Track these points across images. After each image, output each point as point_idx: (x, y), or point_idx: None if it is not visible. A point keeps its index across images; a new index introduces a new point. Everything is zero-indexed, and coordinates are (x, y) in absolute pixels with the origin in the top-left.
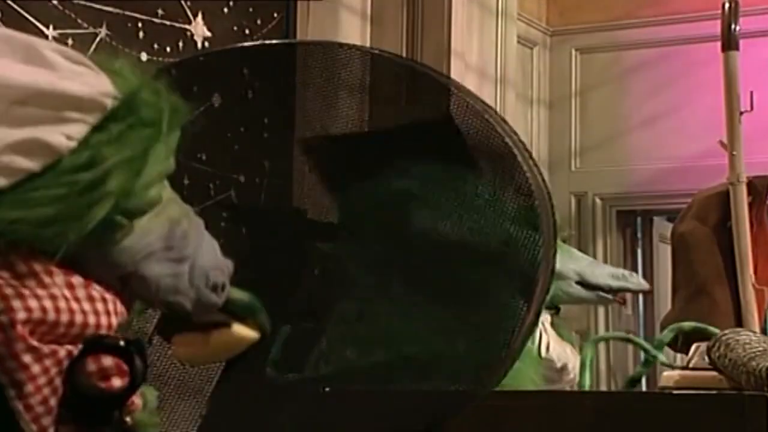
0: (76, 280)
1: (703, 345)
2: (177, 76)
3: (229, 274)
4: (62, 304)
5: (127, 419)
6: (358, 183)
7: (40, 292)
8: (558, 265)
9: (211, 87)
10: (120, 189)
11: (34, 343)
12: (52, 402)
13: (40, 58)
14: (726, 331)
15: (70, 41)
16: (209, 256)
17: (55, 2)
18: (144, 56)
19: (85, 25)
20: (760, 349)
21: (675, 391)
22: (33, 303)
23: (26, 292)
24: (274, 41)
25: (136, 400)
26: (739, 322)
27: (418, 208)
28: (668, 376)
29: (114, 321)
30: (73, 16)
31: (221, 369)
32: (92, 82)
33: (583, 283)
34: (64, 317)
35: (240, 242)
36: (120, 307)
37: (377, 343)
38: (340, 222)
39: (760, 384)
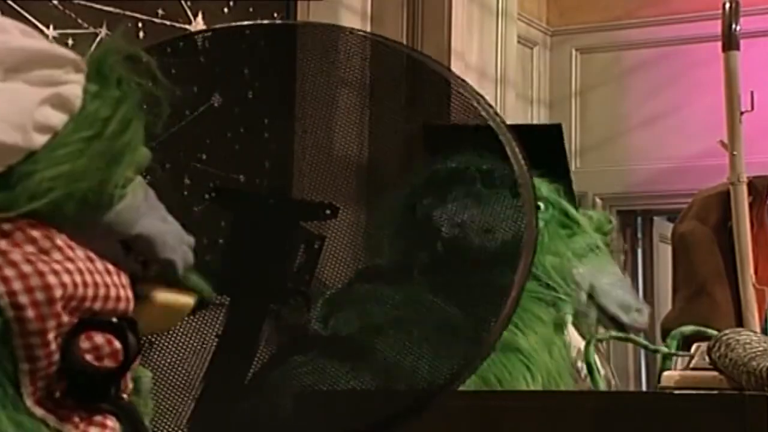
0: (91, 253)
1: (704, 345)
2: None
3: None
4: (88, 278)
5: (124, 396)
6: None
7: (70, 266)
8: (578, 269)
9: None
10: (136, 140)
11: (65, 319)
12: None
13: (12, 29)
14: (726, 331)
15: (70, 41)
16: (171, 217)
17: (55, 2)
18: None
19: (85, 25)
20: (761, 349)
21: (675, 391)
22: (67, 278)
23: (58, 267)
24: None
25: (128, 382)
26: (740, 322)
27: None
28: (668, 376)
29: (130, 294)
30: (73, 16)
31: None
32: (61, 48)
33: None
34: (90, 291)
35: (227, 224)
36: (125, 279)
37: (362, 317)
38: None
39: (760, 384)
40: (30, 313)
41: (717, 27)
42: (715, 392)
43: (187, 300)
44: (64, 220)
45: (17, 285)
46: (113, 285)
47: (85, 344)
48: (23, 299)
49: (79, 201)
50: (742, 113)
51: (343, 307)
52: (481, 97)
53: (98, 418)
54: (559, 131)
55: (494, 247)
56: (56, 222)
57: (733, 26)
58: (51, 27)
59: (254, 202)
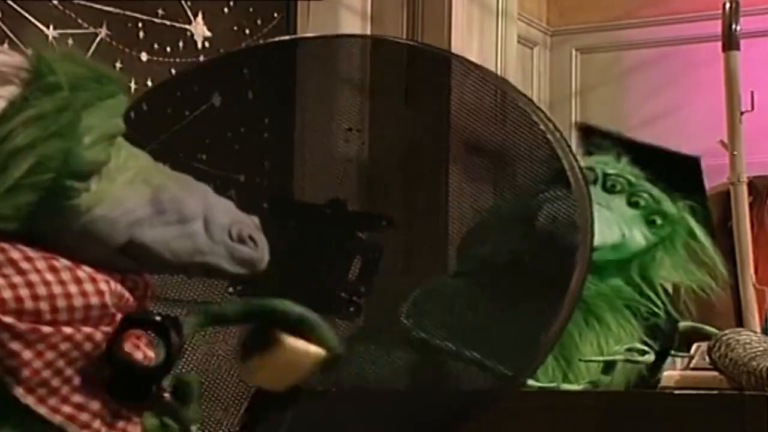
0: (60, 263)
1: (704, 345)
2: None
3: (257, 227)
4: (42, 290)
5: (165, 395)
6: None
7: (17, 280)
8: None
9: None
10: (33, 145)
11: (22, 328)
12: (55, 383)
13: None
14: (726, 331)
15: (70, 41)
16: (226, 212)
17: (55, 2)
18: (144, 56)
19: (85, 25)
20: (761, 349)
21: (675, 391)
22: (7, 293)
23: (1, 281)
24: (275, 39)
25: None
26: (740, 322)
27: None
28: (669, 376)
29: (107, 299)
30: (73, 16)
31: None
32: (4, 61)
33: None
34: (44, 304)
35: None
36: (114, 285)
37: (422, 320)
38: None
39: (760, 384)
40: None
41: (717, 27)
42: (715, 392)
43: (316, 350)
44: (13, 232)
45: None
46: (81, 294)
47: (126, 342)
48: None
49: (19, 217)
50: (742, 113)
51: (404, 312)
52: (531, 101)
53: (121, 423)
54: (697, 164)
55: (551, 252)
56: (8, 234)
57: (734, 26)
58: (51, 27)
59: (310, 212)
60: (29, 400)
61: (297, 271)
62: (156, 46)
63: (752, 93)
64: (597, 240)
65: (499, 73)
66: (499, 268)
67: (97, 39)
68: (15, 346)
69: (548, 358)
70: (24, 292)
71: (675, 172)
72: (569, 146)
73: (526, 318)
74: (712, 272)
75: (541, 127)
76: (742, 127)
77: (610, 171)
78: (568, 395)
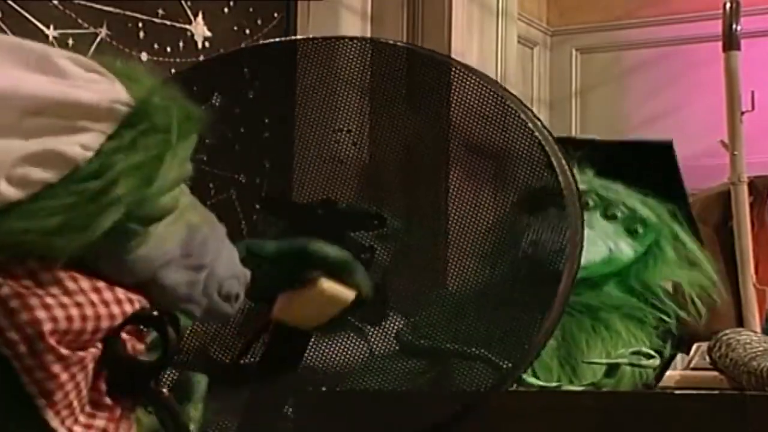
0: (101, 283)
1: (704, 345)
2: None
3: (245, 283)
4: (89, 311)
5: (164, 390)
6: None
7: (66, 300)
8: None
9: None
10: (129, 195)
11: (64, 352)
12: (75, 403)
13: (52, 66)
14: (727, 331)
15: (70, 41)
16: (228, 264)
17: (55, 2)
18: (144, 56)
19: (86, 25)
20: (761, 349)
21: (676, 391)
22: (59, 313)
23: (51, 301)
24: (275, 40)
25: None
26: (740, 322)
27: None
28: (669, 376)
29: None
30: (73, 16)
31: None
32: (105, 89)
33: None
34: (90, 324)
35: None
36: (145, 303)
37: (416, 320)
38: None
39: (761, 384)
40: (22, 348)
41: (717, 27)
42: (716, 392)
43: (348, 294)
44: (61, 259)
45: (4, 322)
46: (121, 314)
47: (125, 337)
48: (12, 335)
49: (66, 246)
50: (742, 113)
51: (401, 311)
52: (529, 109)
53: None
54: (670, 148)
55: (540, 259)
56: (56, 259)
57: (734, 26)
58: (51, 27)
59: (302, 211)
60: (56, 423)
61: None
62: (156, 46)
63: (752, 93)
64: (585, 259)
65: (499, 73)
66: (493, 271)
67: (97, 39)
68: (56, 368)
69: (554, 363)
70: (74, 312)
71: (650, 161)
72: (562, 152)
73: (520, 318)
74: (702, 272)
75: (536, 134)
76: (743, 127)
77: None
78: (568, 395)
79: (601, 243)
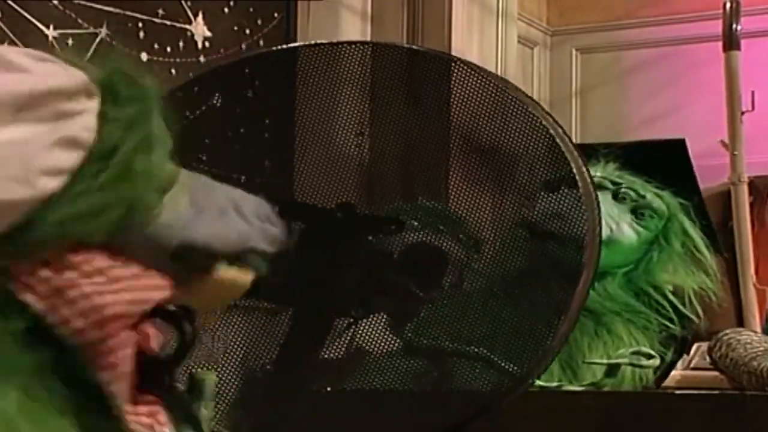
0: (136, 269)
1: (704, 345)
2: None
3: (269, 206)
4: (137, 295)
5: (178, 385)
6: None
7: (116, 286)
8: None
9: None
10: (142, 165)
11: (124, 335)
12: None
13: (10, 64)
14: (727, 331)
15: (70, 41)
16: (245, 197)
17: (55, 2)
18: (144, 56)
19: (86, 25)
20: (762, 349)
21: (676, 391)
22: (115, 297)
23: (103, 288)
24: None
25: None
26: (740, 321)
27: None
28: (669, 376)
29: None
30: (73, 16)
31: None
32: (71, 74)
33: None
34: (139, 308)
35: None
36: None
37: (430, 323)
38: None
39: (761, 384)
40: (94, 334)
41: (717, 27)
42: (716, 392)
43: (245, 278)
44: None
45: (68, 311)
46: (158, 288)
47: (140, 332)
48: (79, 324)
49: (103, 231)
50: (742, 113)
51: (413, 315)
52: (540, 106)
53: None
54: (683, 145)
55: (557, 261)
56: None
57: (734, 26)
58: (51, 27)
59: (320, 215)
60: (125, 411)
61: (305, 274)
62: (156, 46)
63: (753, 93)
64: None
65: (499, 73)
66: (507, 271)
67: (97, 39)
68: (121, 353)
69: (556, 366)
70: (126, 296)
71: (663, 159)
72: (577, 149)
73: (535, 320)
74: (706, 271)
75: (551, 131)
76: (743, 127)
77: (595, 174)
78: (568, 395)
79: (603, 224)
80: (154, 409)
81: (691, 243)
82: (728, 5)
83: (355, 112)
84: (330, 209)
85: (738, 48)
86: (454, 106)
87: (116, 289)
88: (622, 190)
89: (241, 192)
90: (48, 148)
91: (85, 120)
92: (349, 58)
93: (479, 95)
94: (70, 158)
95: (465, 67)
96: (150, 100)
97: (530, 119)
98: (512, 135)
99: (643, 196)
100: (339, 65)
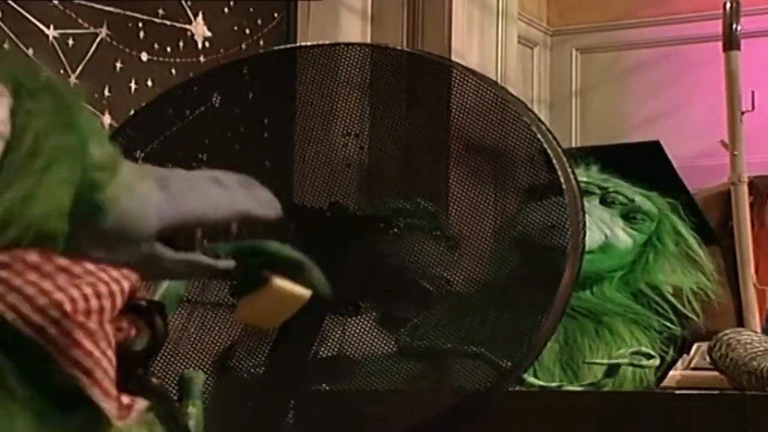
0: (93, 266)
1: (704, 345)
2: None
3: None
4: (102, 288)
5: (153, 379)
6: None
7: (76, 281)
8: None
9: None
10: (62, 147)
11: (92, 326)
12: (111, 380)
13: None
14: (727, 331)
15: (70, 41)
16: (222, 172)
17: (55, 2)
18: (144, 56)
19: (86, 25)
20: (762, 349)
21: (676, 391)
22: (75, 292)
23: (63, 284)
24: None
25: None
26: (740, 322)
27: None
28: (669, 376)
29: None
30: (73, 16)
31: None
32: None
33: None
34: (106, 302)
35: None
36: (136, 278)
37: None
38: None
39: (761, 384)
40: (52, 330)
41: (717, 27)
42: (716, 392)
43: (303, 292)
44: (57, 242)
45: (26, 308)
46: (121, 292)
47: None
48: (38, 320)
49: (55, 219)
50: (742, 113)
51: (403, 313)
52: (531, 110)
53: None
54: (658, 148)
55: (541, 258)
56: (51, 245)
57: (734, 26)
58: (51, 27)
59: (310, 214)
60: (102, 401)
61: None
62: (156, 46)
63: (753, 93)
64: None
65: (499, 73)
66: (494, 271)
67: (97, 39)
68: (88, 345)
69: (557, 367)
70: (88, 291)
71: (642, 162)
72: (563, 151)
73: (520, 317)
74: (702, 270)
75: (538, 137)
76: (743, 127)
77: (581, 179)
78: (569, 395)
79: (596, 229)
80: (134, 399)
81: (684, 242)
82: (728, 5)
83: (351, 112)
84: (319, 209)
85: (738, 48)
86: (447, 109)
87: (76, 284)
88: (610, 194)
89: (219, 172)
90: None
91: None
92: (348, 60)
93: (474, 99)
94: None
95: (459, 72)
96: (62, 91)
97: (517, 123)
98: (503, 140)
99: (632, 200)
100: (337, 67)
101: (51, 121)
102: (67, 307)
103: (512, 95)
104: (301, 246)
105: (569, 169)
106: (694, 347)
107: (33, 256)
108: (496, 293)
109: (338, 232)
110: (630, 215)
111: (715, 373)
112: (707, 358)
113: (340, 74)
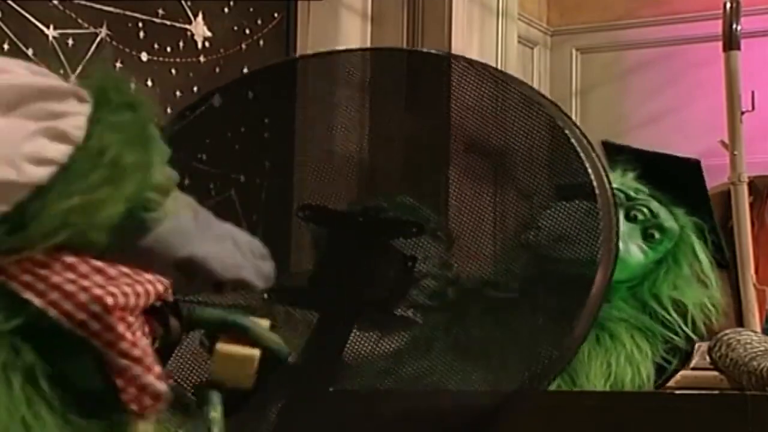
0: (128, 269)
1: (704, 345)
2: None
3: (263, 246)
4: (139, 288)
5: (170, 380)
6: None
7: (113, 281)
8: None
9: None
10: (136, 166)
11: (131, 319)
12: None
13: (3, 69)
14: (727, 331)
15: (70, 41)
16: (240, 233)
17: (55, 2)
18: (144, 56)
19: (86, 25)
20: (762, 349)
21: (676, 391)
22: (114, 289)
23: (101, 282)
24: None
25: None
26: (740, 321)
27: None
28: None
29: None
30: (73, 16)
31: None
32: (62, 81)
33: None
34: (142, 300)
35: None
36: (167, 282)
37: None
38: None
39: (761, 384)
40: (95, 325)
41: (717, 27)
42: (716, 392)
43: (250, 352)
44: (95, 249)
45: (68, 305)
46: (155, 294)
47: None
48: (81, 316)
49: (102, 230)
50: (742, 113)
51: (434, 316)
52: (564, 113)
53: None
54: (697, 167)
55: (572, 257)
56: (87, 251)
57: (734, 26)
58: (51, 27)
59: (343, 220)
60: (160, 387)
61: (330, 279)
62: (156, 46)
63: (753, 93)
64: None
65: None
66: (521, 277)
67: (97, 39)
68: (130, 336)
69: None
70: (127, 289)
71: (678, 176)
72: (596, 153)
73: (550, 323)
74: (711, 295)
75: (572, 139)
76: (743, 127)
77: (615, 185)
78: (569, 395)
79: None
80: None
81: (699, 266)
82: (728, 5)
83: (351, 112)
84: (351, 213)
85: (738, 48)
86: (455, 105)
87: (114, 283)
88: (637, 206)
89: (238, 229)
90: (32, 136)
91: (74, 120)
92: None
93: (479, 92)
94: (57, 150)
95: (466, 65)
96: (143, 109)
97: (550, 124)
98: (527, 136)
99: (656, 215)
100: (337, 71)
101: (128, 136)
102: (108, 301)
103: (547, 98)
104: (333, 253)
105: (602, 170)
106: (694, 347)
107: (70, 257)
108: (524, 299)
109: (370, 237)
110: (648, 231)
111: (715, 373)
112: (707, 358)
113: (340, 75)
